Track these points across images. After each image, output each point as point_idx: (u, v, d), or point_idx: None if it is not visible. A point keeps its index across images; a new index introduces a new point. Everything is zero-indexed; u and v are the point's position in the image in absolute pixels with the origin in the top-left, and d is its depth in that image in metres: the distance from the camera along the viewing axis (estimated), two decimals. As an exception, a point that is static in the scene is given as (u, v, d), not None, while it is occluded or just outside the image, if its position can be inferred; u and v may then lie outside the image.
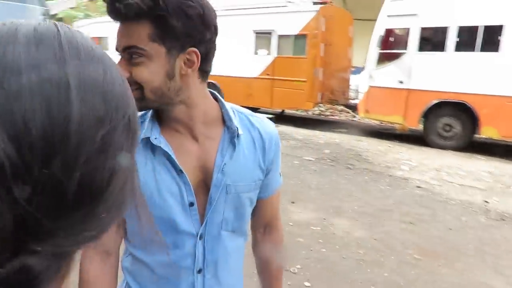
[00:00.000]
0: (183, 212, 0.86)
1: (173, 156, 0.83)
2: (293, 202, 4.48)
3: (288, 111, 11.61)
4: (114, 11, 0.73)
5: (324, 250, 3.38)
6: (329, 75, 9.57)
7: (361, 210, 4.37)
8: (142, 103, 0.78)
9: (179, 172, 0.84)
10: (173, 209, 0.85)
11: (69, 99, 0.26)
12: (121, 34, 0.75)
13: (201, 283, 0.91)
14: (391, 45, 8.41)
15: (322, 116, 12.05)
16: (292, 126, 9.63)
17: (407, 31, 7.96)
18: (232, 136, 0.87)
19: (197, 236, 0.88)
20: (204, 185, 0.88)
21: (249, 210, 0.96)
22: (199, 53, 0.78)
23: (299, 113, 12.27)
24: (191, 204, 0.86)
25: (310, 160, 6.46)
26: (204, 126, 0.87)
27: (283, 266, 1.12)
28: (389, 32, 8.32)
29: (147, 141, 0.84)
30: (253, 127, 0.92)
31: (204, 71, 0.83)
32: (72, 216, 0.28)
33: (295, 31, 9.37)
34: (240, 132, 0.87)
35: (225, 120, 0.88)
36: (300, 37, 9.36)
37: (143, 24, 0.73)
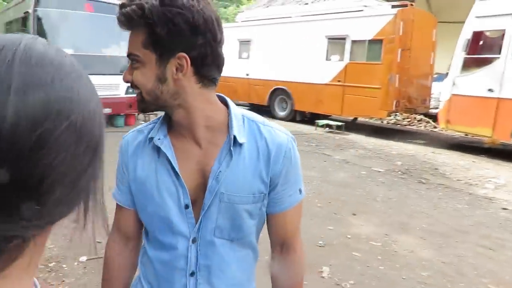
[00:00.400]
0: (179, 213, 0.88)
1: (172, 158, 0.86)
2: (354, 214, 4.26)
3: (361, 119, 11.15)
4: (118, 20, 0.79)
5: (382, 267, 3.14)
6: (407, 82, 8.96)
7: (430, 228, 3.98)
8: (142, 104, 0.85)
9: (176, 174, 0.86)
10: (170, 209, 0.87)
11: (7, 99, 0.30)
12: (128, 41, 0.81)
13: (194, 285, 0.90)
14: (480, 50, 7.60)
15: (398, 125, 11.34)
16: (364, 134, 9.21)
17: (501, 33, 7.11)
18: (231, 144, 0.85)
19: (190, 239, 0.88)
20: (203, 189, 0.87)
21: (250, 222, 0.91)
22: (188, 58, 0.79)
23: (372, 121, 11.71)
24: (186, 207, 0.87)
25: (378, 171, 6.10)
26: (208, 131, 0.87)
27: None
28: (477, 35, 7.53)
29: (151, 142, 0.88)
30: (261, 136, 0.89)
31: (202, 75, 0.83)
32: (7, 206, 0.31)
33: (370, 36, 8.98)
34: (242, 140, 0.86)
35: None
36: (375, 42, 8.94)
37: (137, 32, 0.79)
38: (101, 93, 7.82)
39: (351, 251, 3.37)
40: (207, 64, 0.82)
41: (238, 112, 0.90)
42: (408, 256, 3.36)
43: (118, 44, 8.48)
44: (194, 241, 0.89)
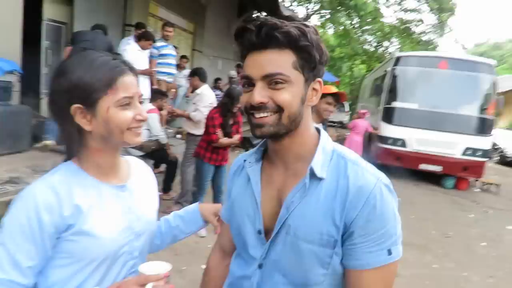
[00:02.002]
0: (254, 237, 0.89)
1: (254, 184, 0.89)
2: None
3: None
4: (256, 37, 0.76)
5: None
6: None
7: None
8: (276, 127, 0.80)
9: (255, 200, 0.88)
10: (248, 231, 0.90)
11: None
12: (260, 63, 0.77)
13: None
14: None
15: None
16: None
17: None
18: (309, 176, 0.81)
19: (257, 263, 0.88)
20: (276, 218, 0.85)
21: (317, 269, 0.81)
22: (321, 82, 0.84)
23: None
24: (259, 232, 0.88)
25: None
26: (296, 161, 0.86)
27: None
28: None
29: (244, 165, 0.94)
30: (345, 175, 0.81)
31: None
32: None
33: None
34: (322, 175, 0.81)
35: None
36: None
37: (285, 53, 0.77)
38: (434, 149, 7.69)
39: None
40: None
41: (328, 146, 0.86)
42: None
43: (468, 103, 7.90)
44: (260, 266, 0.88)
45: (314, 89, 0.83)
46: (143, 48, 5.17)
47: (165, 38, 5.69)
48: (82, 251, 0.86)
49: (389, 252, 0.79)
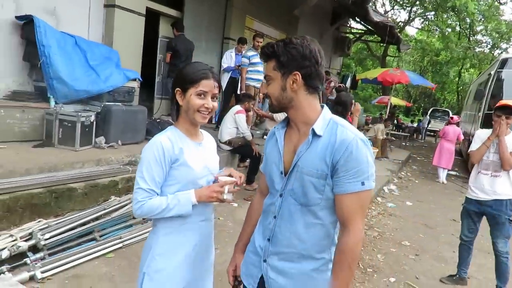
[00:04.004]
0: (278, 177, 1.31)
1: (279, 141, 1.32)
2: None
3: None
4: (261, 56, 1.31)
5: None
6: None
7: None
8: (271, 107, 1.33)
9: (279, 151, 1.31)
10: (274, 173, 1.33)
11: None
12: (265, 69, 1.24)
13: (273, 225, 1.32)
14: None
15: None
16: None
17: None
18: (312, 135, 1.22)
19: (279, 193, 1.30)
20: (292, 163, 1.27)
21: (315, 195, 1.21)
22: (299, 74, 1.22)
23: None
24: (281, 172, 1.30)
25: None
26: (304, 125, 1.27)
27: (343, 269, 1.18)
28: None
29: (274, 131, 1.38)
30: (335, 133, 1.20)
31: (310, 86, 1.24)
32: None
33: None
34: (320, 133, 1.21)
35: None
36: None
37: (270, 62, 1.26)
38: None
39: None
40: (312, 78, 1.23)
41: (327, 116, 1.26)
42: None
43: None
44: (281, 195, 1.29)
45: (294, 80, 1.21)
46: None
47: (255, 47, 6.37)
48: (182, 175, 1.43)
49: (362, 183, 1.16)
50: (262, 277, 1.34)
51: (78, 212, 3.36)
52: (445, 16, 17.95)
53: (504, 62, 7.98)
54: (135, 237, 3.36)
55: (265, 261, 1.32)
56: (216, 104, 1.51)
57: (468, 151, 3.30)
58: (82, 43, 4.72)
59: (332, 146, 1.18)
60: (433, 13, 18.95)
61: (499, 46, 21.79)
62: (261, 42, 6.41)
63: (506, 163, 2.98)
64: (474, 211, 3.20)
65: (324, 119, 1.24)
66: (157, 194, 1.41)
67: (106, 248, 3.10)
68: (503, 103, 3.04)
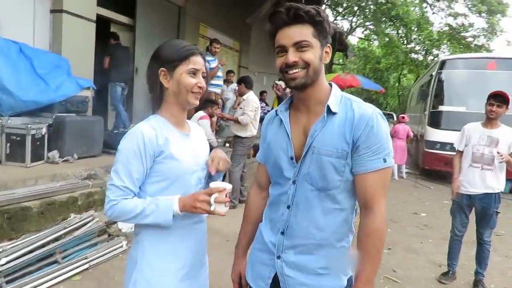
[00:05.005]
0: (287, 163, 1.19)
1: (286, 124, 1.21)
2: None
3: None
4: (286, 17, 1.10)
5: None
6: None
7: None
8: (305, 78, 1.12)
9: (287, 135, 1.19)
10: (282, 160, 1.21)
11: None
12: (290, 35, 1.10)
13: (287, 216, 1.20)
14: None
15: None
16: None
17: None
18: (327, 112, 1.14)
19: (291, 180, 1.19)
20: (304, 146, 1.16)
21: (335, 176, 1.12)
22: (330, 48, 1.18)
23: None
24: (291, 158, 1.18)
25: None
26: (316, 105, 1.17)
27: (371, 253, 1.11)
28: None
29: (277, 115, 1.26)
30: (351, 109, 1.13)
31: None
32: None
33: None
34: (335, 110, 1.13)
35: None
36: None
37: (306, 26, 1.10)
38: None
39: None
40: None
41: (338, 92, 1.18)
42: None
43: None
44: (294, 183, 1.18)
45: (326, 51, 1.14)
46: None
47: (212, 53, 6.30)
48: (169, 170, 1.24)
49: (384, 160, 1.10)
50: (275, 277, 1.22)
51: (35, 233, 3.02)
52: (383, 26, 19.15)
53: (443, 63, 8.61)
54: (102, 255, 3.08)
55: (278, 257, 1.21)
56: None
57: (454, 145, 3.38)
58: (27, 50, 4.32)
59: (350, 122, 1.11)
60: (372, 22, 20.17)
61: (431, 52, 23.68)
62: (218, 48, 6.35)
63: None
64: (467, 205, 3.25)
65: (336, 96, 1.17)
66: (134, 194, 1.22)
67: (71, 270, 2.82)
68: (496, 91, 3.08)
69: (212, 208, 1.20)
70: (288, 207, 1.20)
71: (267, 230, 1.28)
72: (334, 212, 1.16)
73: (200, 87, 1.27)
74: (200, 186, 1.36)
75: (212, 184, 1.24)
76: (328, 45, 1.16)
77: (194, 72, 1.26)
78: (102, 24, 6.02)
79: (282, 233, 1.21)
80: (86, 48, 5.31)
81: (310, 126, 1.16)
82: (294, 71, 1.11)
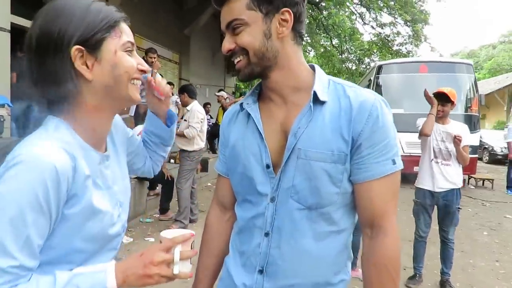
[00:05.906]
0: (262, 173, 0.89)
1: (257, 120, 0.89)
2: None
3: None
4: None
5: None
6: None
7: None
8: (248, 68, 0.86)
9: (260, 135, 0.89)
10: (254, 169, 0.90)
11: None
12: (222, 16, 0.85)
13: (266, 248, 0.88)
14: None
15: None
16: None
17: None
18: (313, 101, 0.85)
19: (269, 197, 0.88)
20: (284, 149, 0.86)
21: (331, 189, 0.84)
22: (290, 13, 0.83)
23: None
24: (267, 166, 0.88)
25: None
26: (294, 93, 0.89)
27: None
28: None
29: (243, 109, 0.94)
30: (345, 95, 0.86)
31: (298, 32, 0.87)
32: None
33: None
34: (324, 98, 0.85)
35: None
36: None
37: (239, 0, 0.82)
38: (409, 150, 7.78)
39: None
40: (301, 21, 0.86)
41: (324, 76, 0.90)
42: None
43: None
44: (272, 200, 0.88)
45: (282, 20, 0.83)
46: None
47: (149, 64, 5.84)
48: (81, 228, 0.74)
49: (394, 162, 0.84)
50: None
51: None
52: (321, 36, 19.87)
53: (379, 68, 8.97)
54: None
55: None
56: None
57: (417, 122, 3.28)
58: None
59: (347, 113, 0.83)
60: (307, 34, 20.91)
61: (363, 61, 25.08)
62: (155, 58, 5.91)
63: (464, 162, 3.07)
64: (430, 205, 3.19)
65: (321, 80, 0.88)
66: (32, 271, 0.69)
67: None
68: (439, 90, 3.13)
69: (175, 271, 0.76)
70: (267, 234, 0.88)
71: (237, 267, 0.95)
72: (330, 236, 0.87)
73: (143, 71, 0.82)
74: (122, 234, 0.89)
75: (165, 233, 0.82)
76: (285, 9, 0.83)
77: (130, 49, 0.80)
78: (20, 34, 5.32)
79: (261, 271, 0.89)
80: (0, 61, 4.61)
81: (291, 121, 0.87)
82: (237, 60, 0.86)
